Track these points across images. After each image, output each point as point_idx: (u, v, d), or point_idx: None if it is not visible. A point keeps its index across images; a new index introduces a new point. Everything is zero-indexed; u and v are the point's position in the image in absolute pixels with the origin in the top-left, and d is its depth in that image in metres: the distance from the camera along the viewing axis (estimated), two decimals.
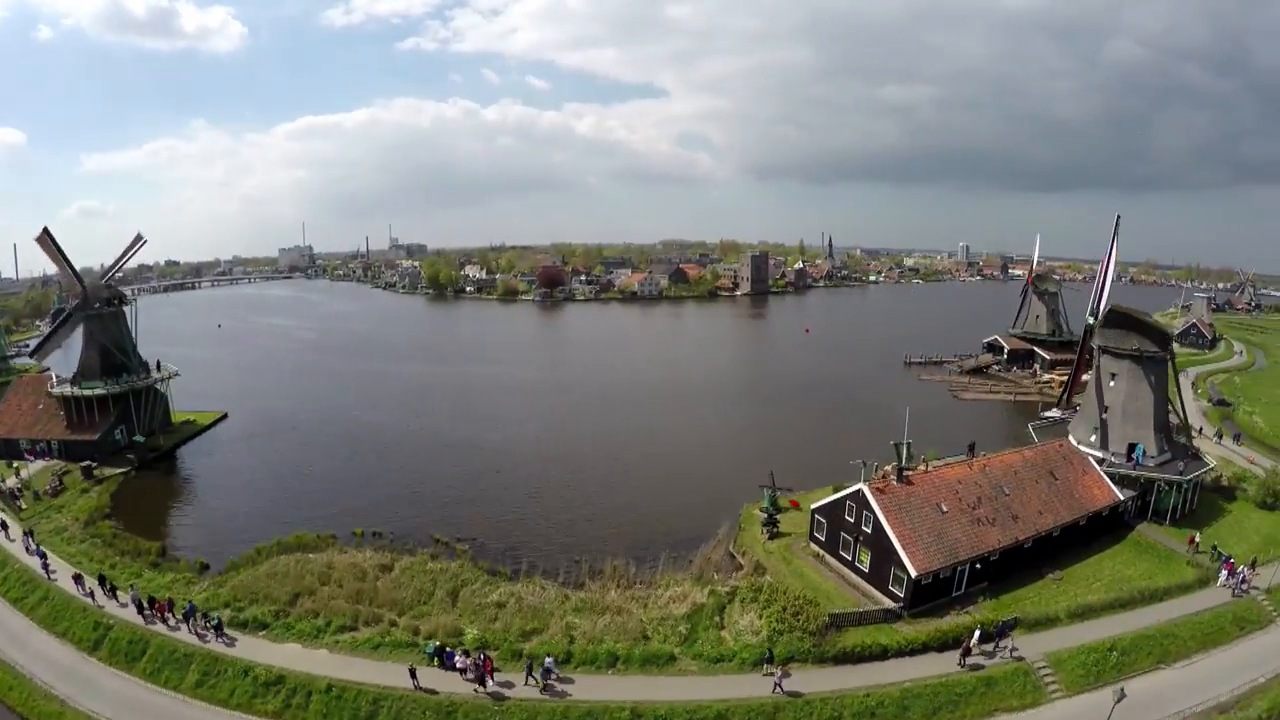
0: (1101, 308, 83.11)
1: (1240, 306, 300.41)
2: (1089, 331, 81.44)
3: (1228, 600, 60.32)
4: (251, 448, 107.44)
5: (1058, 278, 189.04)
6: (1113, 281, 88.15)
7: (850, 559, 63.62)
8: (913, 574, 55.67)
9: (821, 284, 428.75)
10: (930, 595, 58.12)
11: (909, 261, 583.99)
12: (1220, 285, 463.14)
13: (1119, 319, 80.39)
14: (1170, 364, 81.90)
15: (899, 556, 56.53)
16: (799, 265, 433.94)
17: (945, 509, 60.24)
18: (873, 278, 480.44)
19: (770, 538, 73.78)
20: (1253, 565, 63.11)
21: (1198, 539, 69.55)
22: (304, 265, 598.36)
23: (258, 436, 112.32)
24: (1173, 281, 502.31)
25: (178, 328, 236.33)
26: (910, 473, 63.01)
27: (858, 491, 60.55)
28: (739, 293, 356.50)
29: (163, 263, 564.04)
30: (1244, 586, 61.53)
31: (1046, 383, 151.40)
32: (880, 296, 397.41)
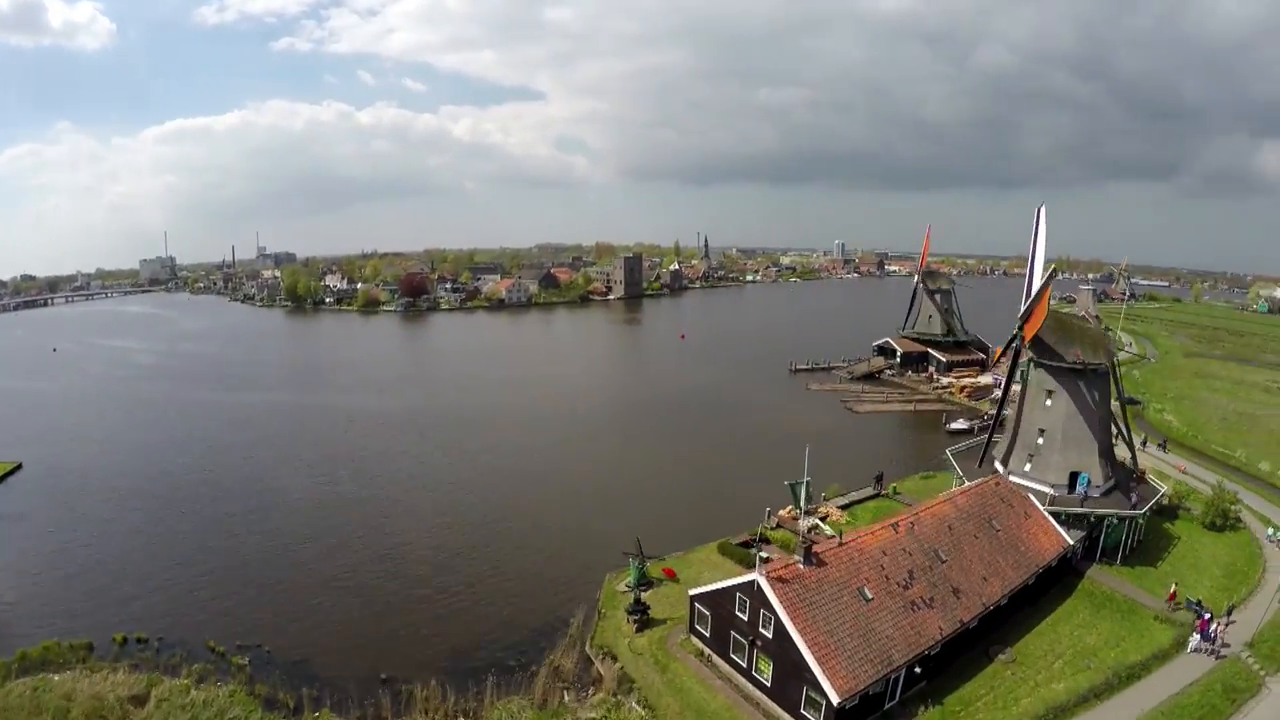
0: (1025, 334, 69.91)
1: (1116, 296, 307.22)
2: (1017, 342, 68.49)
3: (1210, 665, 52.20)
4: (35, 510, 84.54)
5: (950, 274, 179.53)
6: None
7: (746, 666, 47.47)
8: (834, 700, 39.99)
9: (698, 285, 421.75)
10: (857, 717, 42.56)
11: (785, 260, 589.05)
12: (1090, 276, 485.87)
13: (1056, 326, 67.86)
14: (1113, 375, 70.00)
15: (813, 675, 40.77)
16: (674, 266, 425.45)
17: (870, 595, 45.01)
18: (749, 277, 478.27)
19: (639, 628, 57.18)
20: (1229, 614, 56.80)
21: (1176, 590, 59.83)
22: (165, 278, 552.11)
23: (47, 495, 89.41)
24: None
25: (12, 352, 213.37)
26: (822, 537, 47.66)
27: (751, 584, 44.25)
28: (612, 296, 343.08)
29: (19, 277, 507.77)
30: (1221, 643, 52.90)
31: (945, 388, 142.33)
32: (758, 296, 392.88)
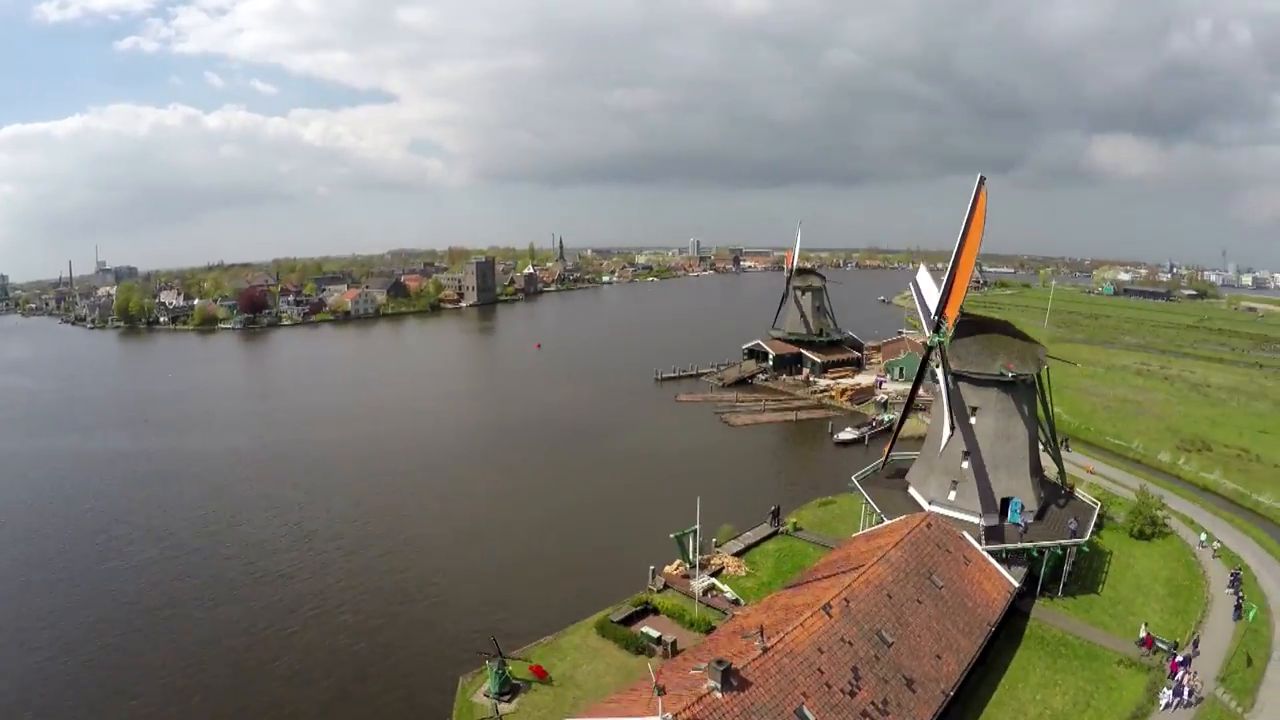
0: (947, 316, 60.72)
1: (970, 284, 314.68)
2: (934, 351, 59.04)
3: (1189, 716, 46.36)
4: None
5: (818, 269, 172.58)
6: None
7: None
8: None
9: (554, 288, 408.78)
10: None
11: (641, 259, 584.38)
12: (939, 265, 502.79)
13: (979, 334, 58.84)
14: (1040, 385, 61.74)
15: None
16: (529, 270, 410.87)
17: (812, 716, 32.90)
18: (606, 278, 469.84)
19: None
20: (1195, 646, 52.04)
21: (1150, 636, 52.69)
22: None
23: None
24: (895, 264, 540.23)
25: None
26: (723, 601, 35.34)
27: None
28: (465, 304, 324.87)
29: None
30: (1193, 694, 46.68)
31: (824, 391, 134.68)
32: (616, 297, 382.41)
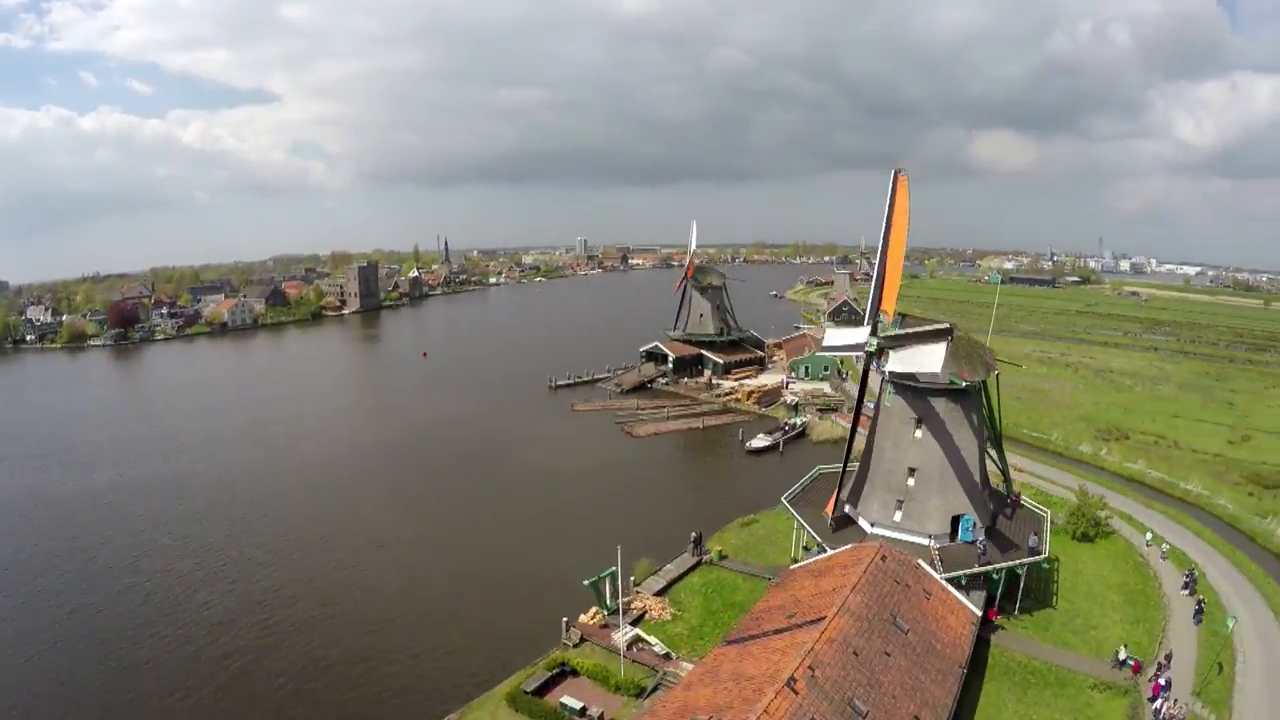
0: (885, 312, 54.79)
1: (859, 277, 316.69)
2: (879, 333, 52.99)
3: None
4: None
5: (718, 268, 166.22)
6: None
7: None
8: None
9: (440, 291, 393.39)
10: None
11: (528, 259, 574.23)
12: (826, 259, 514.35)
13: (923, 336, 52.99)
14: (984, 394, 56.83)
15: None
16: (414, 273, 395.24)
17: None
18: (493, 279, 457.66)
19: None
20: (1168, 661, 49.48)
21: (1138, 662, 49.11)
22: None
23: None
24: (782, 259, 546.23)
25: None
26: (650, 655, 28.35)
27: None
28: (348, 311, 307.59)
29: None
30: (1177, 715, 44.25)
31: (729, 394, 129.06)
32: (504, 299, 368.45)
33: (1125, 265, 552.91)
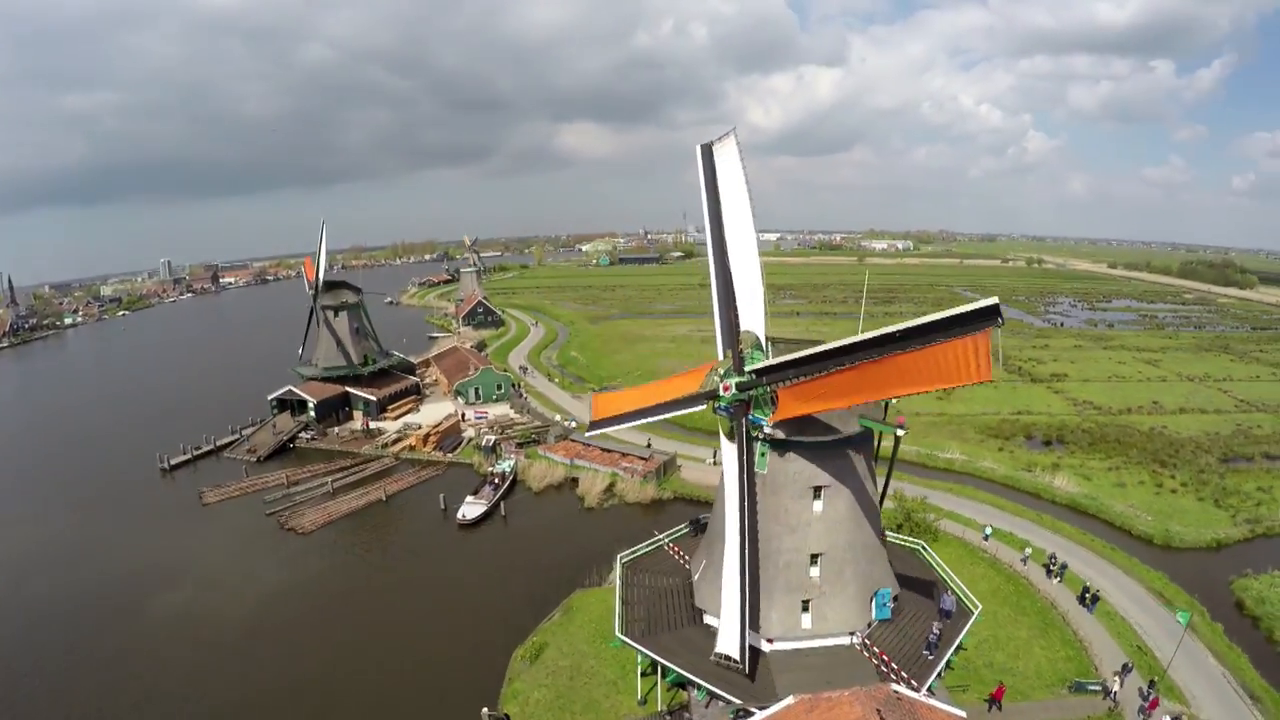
0: (751, 354, 37.60)
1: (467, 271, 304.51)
2: (738, 410, 36.28)
3: None
4: None
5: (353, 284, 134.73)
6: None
7: None
8: None
9: (5, 344, 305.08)
10: None
11: (107, 290, 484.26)
12: (427, 257, 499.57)
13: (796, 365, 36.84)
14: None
15: None
16: None
17: None
18: (68, 319, 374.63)
19: None
20: (1152, 685, 46.25)
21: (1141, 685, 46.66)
22: None
23: None
24: (383, 261, 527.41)
25: None
26: None
27: None
28: None
29: None
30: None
31: (397, 441, 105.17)
32: (85, 346, 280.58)
33: None
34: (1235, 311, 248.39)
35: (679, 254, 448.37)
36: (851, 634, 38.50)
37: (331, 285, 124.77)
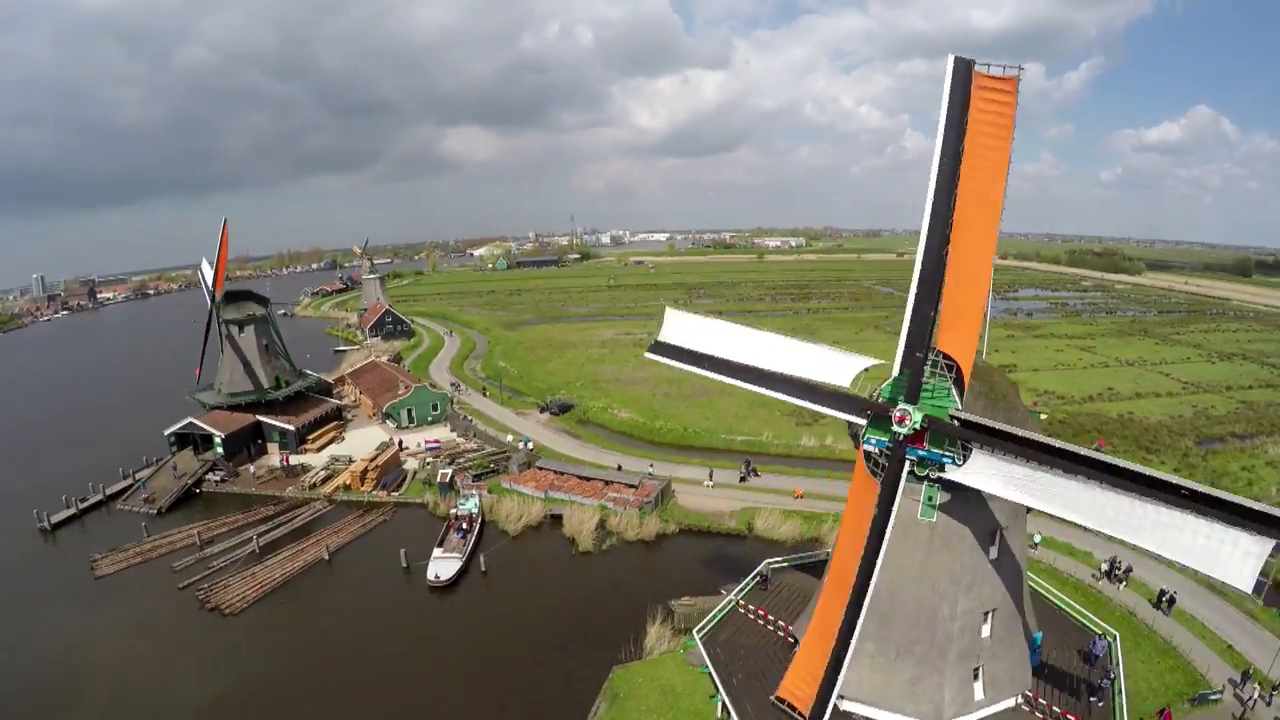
0: (957, 360, 28.54)
1: (359, 280, 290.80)
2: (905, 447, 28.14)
3: None
4: None
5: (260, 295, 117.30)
6: None
7: None
8: None
9: None
10: None
11: None
12: (314, 266, 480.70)
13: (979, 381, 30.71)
14: None
15: None
16: None
17: None
18: None
19: None
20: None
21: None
22: None
23: None
24: (269, 271, 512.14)
25: None
26: None
27: None
28: None
29: None
30: None
31: (324, 478, 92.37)
32: None
33: (606, 239, 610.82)
34: (1134, 296, 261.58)
35: (575, 255, 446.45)
36: (1018, 698, 31.74)
37: (234, 296, 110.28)
